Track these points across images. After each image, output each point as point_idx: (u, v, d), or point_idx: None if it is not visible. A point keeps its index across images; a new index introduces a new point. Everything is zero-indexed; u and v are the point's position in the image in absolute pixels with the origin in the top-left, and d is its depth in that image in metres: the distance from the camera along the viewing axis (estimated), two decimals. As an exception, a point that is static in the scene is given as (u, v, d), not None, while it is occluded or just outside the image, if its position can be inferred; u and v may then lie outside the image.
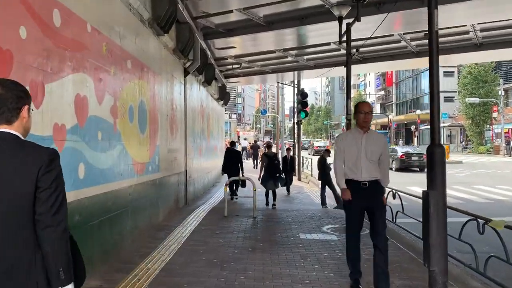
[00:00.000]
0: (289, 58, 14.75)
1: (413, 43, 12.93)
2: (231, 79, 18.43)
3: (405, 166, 23.74)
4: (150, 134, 7.25)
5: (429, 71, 4.03)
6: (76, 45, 4.47)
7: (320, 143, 63.16)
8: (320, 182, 12.11)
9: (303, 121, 19.12)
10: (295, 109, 19.34)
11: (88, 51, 4.75)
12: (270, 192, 10.65)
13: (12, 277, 1.60)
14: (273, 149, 11.82)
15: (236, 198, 11.50)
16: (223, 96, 18.45)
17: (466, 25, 11.09)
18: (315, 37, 11.69)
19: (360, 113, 4.27)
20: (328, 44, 12.69)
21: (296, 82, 20.71)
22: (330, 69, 15.82)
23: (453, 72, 59.30)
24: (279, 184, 10.60)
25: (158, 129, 7.84)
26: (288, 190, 13.62)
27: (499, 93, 39.75)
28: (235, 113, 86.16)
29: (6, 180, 1.59)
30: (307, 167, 20.84)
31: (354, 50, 8.08)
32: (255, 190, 8.80)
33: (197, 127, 12.43)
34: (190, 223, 7.93)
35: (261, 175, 10.65)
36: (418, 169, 23.59)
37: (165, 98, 8.37)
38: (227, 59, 14.30)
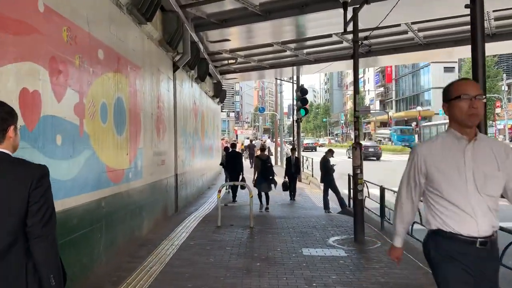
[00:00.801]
0: (288, 52, 13.82)
1: (421, 34, 12.01)
2: (227, 76, 17.49)
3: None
4: (131, 136, 6.33)
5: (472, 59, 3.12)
6: (22, 28, 3.56)
7: (309, 140, 63.29)
8: (322, 184, 11.24)
9: (302, 118, 18.19)
10: (295, 106, 18.42)
11: (41, 36, 3.83)
12: (263, 195, 10.49)
13: (6, 285, 1.71)
14: (267, 152, 11.02)
15: (235, 201, 11.15)
16: (219, 93, 17.52)
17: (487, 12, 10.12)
18: (315, 28, 10.74)
19: (461, 101, 2.19)
20: (330, 36, 11.77)
21: (295, 78, 19.78)
22: (331, 63, 14.89)
23: (454, 67, 58.37)
24: (273, 187, 10.46)
25: (141, 129, 6.92)
26: (292, 196, 12.19)
27: (502, 88, 38.83)
28: (233, 111, 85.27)
29: (4, 197, 1.73)
30: (307, 167, 19.92)
31: (363, 37, 7.17)
32: (251, 197, 7.88)
33: (189, 126, 11.51)
34: (178, 235, 7.03)
35: (255, 178, 10.40)
36: (374, 158, 31.78)
37: (149, 94, 7.45)
38: (221, 53, 13.37)
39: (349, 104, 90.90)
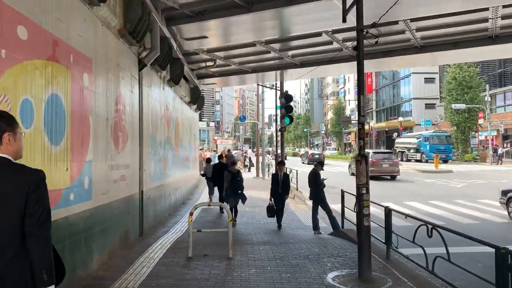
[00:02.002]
0: (272, 54, 12.56)
1: (418, 34, 10.91)
2: (205, 80, 16.12)
3: (309, 161, 38.28)
4: (73, 146, 4.87)
5: None
6: None
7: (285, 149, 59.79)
8: (312, 201, 9.91)
9: (286, 127, 16.92)
10: (278, 115, 17.14)
11: None
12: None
13: (4, 278, 1.86)
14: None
15: (235, 223, 9.79)
16: (196, 99, 16.09)
17: (487, 9, 9.08)
18: (302, 24, 9.49)
19: None
20: (319, 34, 10.55)
21: (278, 84, 18.54)
22: (317, 67, 13.64)
23: (434, 78, 58.41)
24: (240, 201, 10.05)
25: (91, 138, 5.46)
26: (279, 222, 9.76)
27: (486, 99, 38.49)
28: (213, 121, 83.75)
29: (2, 198, 1.89)
30: (291, 180, 18.57)
31: (370, 25, 5.91)
32: (230, 221, 6.44)
33: (160, 134, 10.05)
34: (137, 272, 5.55)
35: (224, 191, 10.04)
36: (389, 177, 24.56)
37: (104, 94, 6.01)
38: (198, 53, 12.01)
39: (330, 115, 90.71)
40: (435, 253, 4.85)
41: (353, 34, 10.24)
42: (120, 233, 6.83)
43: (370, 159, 27.02)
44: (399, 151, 42.33)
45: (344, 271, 5.67)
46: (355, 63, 13.19)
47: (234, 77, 15.67)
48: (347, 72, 38.10)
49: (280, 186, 9.84)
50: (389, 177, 23.61)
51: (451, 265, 4.55)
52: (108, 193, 6.07)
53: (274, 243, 7.60)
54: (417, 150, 39.58)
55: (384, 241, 6.47)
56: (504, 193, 11.08)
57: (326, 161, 45.72)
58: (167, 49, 9.23)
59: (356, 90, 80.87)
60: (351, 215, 8.75)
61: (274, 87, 19.75)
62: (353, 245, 7.54)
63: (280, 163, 10.47)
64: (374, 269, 5.61)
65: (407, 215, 5.93)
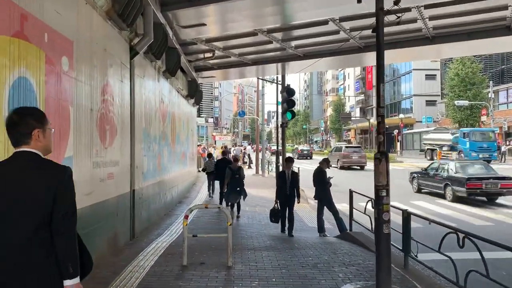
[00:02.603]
0: (273, 45, 11.84)
1: (431, 23, 10.21)
2: (204, 73, 15.39)
3: (298, 156, 42.79)
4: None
5: None
6: None
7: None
8: (317, 202, 9.24)
9: (288, 123, 16.22)
10: (279, 110, 16.44)
11: None
12: (236, 205, 10.51)
13: (32, 270, 1.94)
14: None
15: (238, 217, 10.37)
16: (194, 93, 15.37)
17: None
18: (307, 11, 8.79)
19: None
20: (326, 23, 9.84)
21: (279, 79, 17.83)
22: (319, 59, 12.89)
23: (435, 75, 57.65)
24: (242, 197, 10.32)
25: (71, 131, 4.77)
26: (288, 229, 8.48)
27: (489, 96, 37.82)
28: (212, 117, 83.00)
29: (29, 191, 1.96)
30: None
31: (393, 3, 5.23)
32: (230, 225, 5.75)
33: (154, 129, 9.36)
34: (125, 282, 4.87)
35: (225, 188, 10.30)
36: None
37: (87, 83, 5.31)
38: (196, 43, 11.29)
39: (329, 111, 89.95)
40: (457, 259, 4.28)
41: (362, 22, 9.61)
42: (108, 237, 6.16)
43: (342, 152, 29.78)
44: (428, 149, 37.01)
45: (359, 283, 5.00)
46: (361, 55, 12.59)
47: (233, 70, 14.95)
48: (353, 65, 36.95)
49: (288, 187, 8.48)
50: (358, 168, 28.44)
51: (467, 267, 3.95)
52: (92, 194, 5.38)
53: (277, 248, 6.91)
54: (452, 148, 33.46)
55: (401, 248, 5.81)
56: (411, 174, 17.05)
57: (314, 157, 45.48)
58: (162, 36, 8.52)
59: (357, 86, 79.75)
60: (358, 216, 8.10)
61: (275, 81, 19.03)
62: (364, 251, 6.89)
63: (288, 160, 8.97)
64: (392, 280, 4.94)
65: (431, 221, 5.25)
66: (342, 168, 28.11)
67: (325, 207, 8.99)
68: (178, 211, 11.29)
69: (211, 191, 14.12)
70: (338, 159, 28.79)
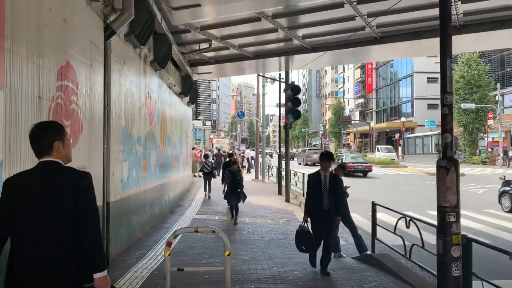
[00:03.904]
0: (277, 35, 10.40)
1: (461, 8, 8.79)
2: (199, 68, 13.91)
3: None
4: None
5: None
6: None
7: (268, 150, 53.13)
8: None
9: (292, 124, 14.78)
10: (282, 110, 15.01)
11: None
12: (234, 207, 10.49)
13: (61, 266, 2.14)
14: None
15: (236, 223, 10.08)
16: (188, 90, 13.92)
17: None
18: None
19: None
20: (341, 5, 8.40)
21: (280, 76, 16.41)
22: (325, 52, 11.43)
23: (437, 78, 56.34)
24: (241, 200, 10.51)
25: (7, 128, 3.32)
26: (323, 266, 5.89)
27: (496, 99, 36.51)
28: (209, 120, 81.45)
29: (54, 195, 2.19)
30: (295, 184, 16.46)
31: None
32: (228, 255, 4.24)
33: (138, 128, 7.89)
34: None
35: (225, 190, 10.66)
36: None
37: (33, 60, 3.86)
38: (190, 31, 9.82)
39: (328, 115, 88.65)
40: None
41: (383, 5, 8.20)
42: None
43: (305, 153, 43.15)
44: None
45: None
46: (375, 47, 11.10)
47: (231, 65, 13.47)
48: (362, 60, 34.51)
49: (327, 197, 5.94)
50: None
51: None
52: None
53: (288, 279, 5.44)
54: None
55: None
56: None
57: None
58: (146, 16, 7.07)
59: (356, 89, 78.61)
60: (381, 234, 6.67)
61: (278, 79, 17.59)
62: (396, 281, 5.45)
63: (325, 156, 6.23)
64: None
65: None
66: (306, 164, 38.23)
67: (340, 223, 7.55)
68: (169, 223, 9.85)
69: (207, 191, 14.61)
70: (303, 158, 41.79)
